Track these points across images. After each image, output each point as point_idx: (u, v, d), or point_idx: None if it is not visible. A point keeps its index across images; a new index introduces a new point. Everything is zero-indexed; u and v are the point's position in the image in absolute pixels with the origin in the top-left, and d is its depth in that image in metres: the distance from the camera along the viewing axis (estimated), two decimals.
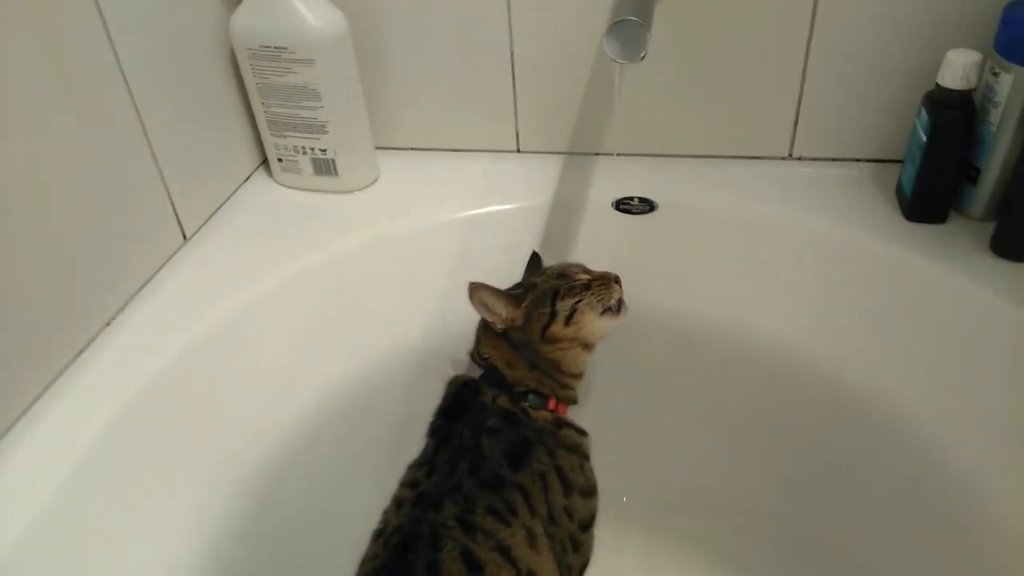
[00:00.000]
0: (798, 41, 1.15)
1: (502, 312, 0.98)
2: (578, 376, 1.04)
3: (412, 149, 1.34)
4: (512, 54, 1.21)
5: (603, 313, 0.97)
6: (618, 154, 1.26)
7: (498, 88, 1.24)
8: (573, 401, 1.02)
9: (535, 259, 1.12)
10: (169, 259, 1.12)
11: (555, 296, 0.96)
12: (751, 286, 1.16)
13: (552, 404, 0.99)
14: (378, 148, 1.30)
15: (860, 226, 1.09)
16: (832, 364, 1.13)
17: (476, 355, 1.05)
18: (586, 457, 0.98)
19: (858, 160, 1.22)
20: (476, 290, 0.99)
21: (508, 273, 1.04)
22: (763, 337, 1.19)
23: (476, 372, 1.01)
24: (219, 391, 1.04)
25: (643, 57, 0.90)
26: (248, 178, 1.31)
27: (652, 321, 1.18)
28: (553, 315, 0.96)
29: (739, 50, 1.17)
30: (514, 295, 1.00)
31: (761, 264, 1.15)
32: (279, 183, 1.32)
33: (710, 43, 1.18)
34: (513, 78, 1.23)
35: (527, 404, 0.98)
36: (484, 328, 1.02)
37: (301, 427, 1.13)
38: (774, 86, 1.16)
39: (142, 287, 1.07)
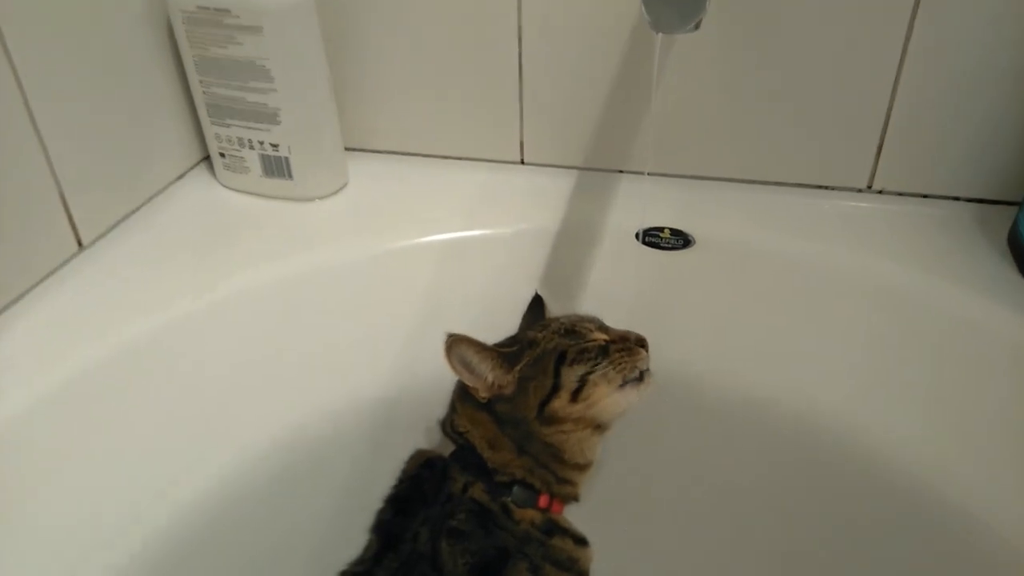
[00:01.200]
0: (892, 42, 0.91)
1: (488, 376, 0.77)
2: (584, 467, 0.80)
3: (391, 153, 1.14)
4: (520, 40, 1.01)
5: (623, 386, 0.76)
6: (648, 173, 1.06)
7: (501, 84, 1.04)
8: (573, 499, 0.81)
9: (537, 304, 0.89)
10: (54, 272, 0.88)
11: (560, 360, 0.75)
12: (811, 349, 0.95)
13: (544, 501, 0.78)
14: (348, 149, 1.10)
15: (958, 280, 0.88)
16: (928, 469, 0.87)
17: (448, 427, 0.81)
18: None
19: (957, 199, 0.99)
20: (455, 345, 0.75)
21: (499, 316, 0.88)
22: (825, 419, 0.94)
23: (448, 447, 0.81)
24: (95, 447, 0.79)
25: (698, 25, 0.63)
26: (182, 176, 1.08)
27: (678, 388, 0.96)
28: (556, 387, 0.74)
29: (811, 48, 0.94)
30: (506, 354, 0.77)
31: (825, 322, 0.94)
32: (222, 184, 1.08)
33: (775, 37, 0.95)
34: (520, 71, 1.03)
35: (509, 499, 0.77)
36: (462, 393, 0.80)
37: (219, 496, 0.89)
38: (855, 98, 0.96)
39: (7, 305, 0.81)
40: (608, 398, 0.76)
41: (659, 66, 0.97)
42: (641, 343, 0.79)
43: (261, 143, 1.00)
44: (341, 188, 1.07)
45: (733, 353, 0.98)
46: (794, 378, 0.95)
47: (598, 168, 1.08)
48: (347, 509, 0.84)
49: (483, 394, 0.77)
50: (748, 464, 1.00)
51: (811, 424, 0.94)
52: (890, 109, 0.95)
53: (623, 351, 0.77)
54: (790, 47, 0.94)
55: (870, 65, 0.93)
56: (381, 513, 0.78)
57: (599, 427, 0.78)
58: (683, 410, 0.98)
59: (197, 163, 1.11)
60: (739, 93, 0.99)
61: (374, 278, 0.98)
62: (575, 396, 0.75)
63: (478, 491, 0.76)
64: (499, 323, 0.87)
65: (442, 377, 0.81)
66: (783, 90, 0.97)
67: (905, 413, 0.89)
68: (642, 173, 1.06)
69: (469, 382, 0.77)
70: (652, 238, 1.00)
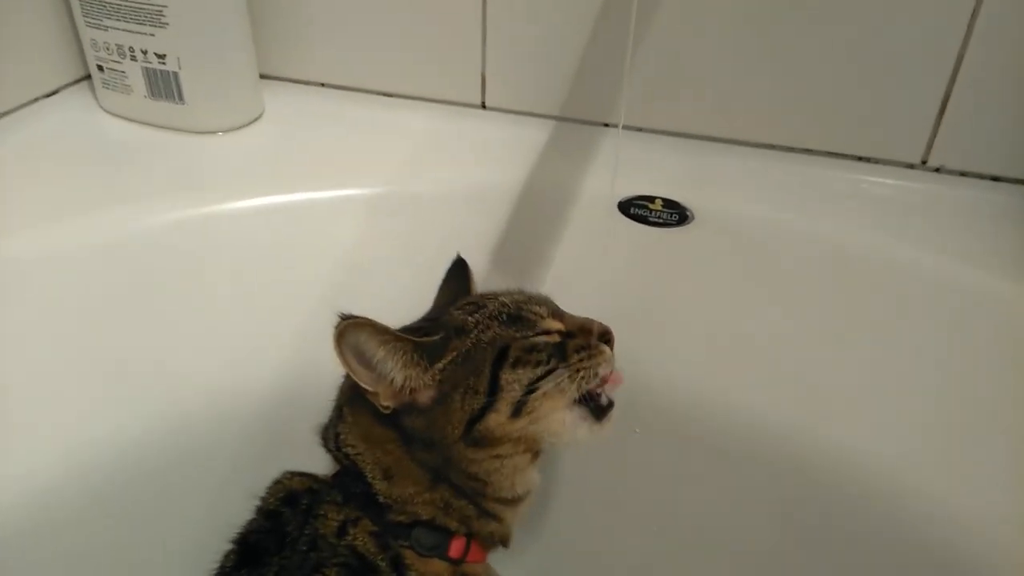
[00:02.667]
0: None
1: (396, 377, 0.55)
2: (515, 501, 0.60)
3: (322, 85, 0.96)
4: None
5: (579, 402, 0.57)
6: (640, 129, 0.86)
7: (461, 9, 0.85)
8: (502, 542, 0.62)
9: (459, 272, 0.68)
10: None
11: (500, 360, 0.56)
12: (834, 369, 0.75)
13: (457, 548, 0.58)
14: (267, 77, 0.93)
15: None
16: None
17: (332, 441, 0.59)
18: None
19: None
20: (351, 331, 0.54)
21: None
22: (852, 461, 0.73)
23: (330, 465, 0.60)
24: None
25: None
26: (56, 92, 0.89)
27: (658, 404, 0.79)
28: (493, 395, 0.55)
29: None
30: (423, 346, 0.56)
31: (855, 333, 0.75)
32: (103, 107, 0.88)
33: None
34: None
35: (406, 544, 0.56)
36: (355, 397, 0.59)
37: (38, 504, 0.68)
38: (912, 42, 0.76)
39: None
40: (557, 414, 0.55)
41: None
42: (605, 337, 0.58)
43: (144, 52, 0.79)
44: (251, 122, 0.89)
45: (731, 366, 0.79)
46: (807, 405, 0.76)
47: (577, 119, 0.89)
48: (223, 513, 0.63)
49: (386, 402, 0.55)
50: (741, 511, 0.79)
51: (829, 465, 0.74)
52: (960, 59, 0.75)
53: (583, 351, 0.55)
54: None
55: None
56: (225, 559, 0.56)
57: (539, 452, 0.57)
58: (662, 433, 0.80)
59: (79, 80, 0.90)
60: (760, 31, 0.79)
61: (278, 236, 0.79)
62: (517, 410, 0.54)
63: (362, 535, 0.54)
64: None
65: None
66: (815, 30, 0.78)
67: (959, 462, 0.68)
68: (631, 128, 0.85)
69: (368, 384, 0.55)
70: (639, 209, 0.80)
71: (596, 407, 0.57)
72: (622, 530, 0.84)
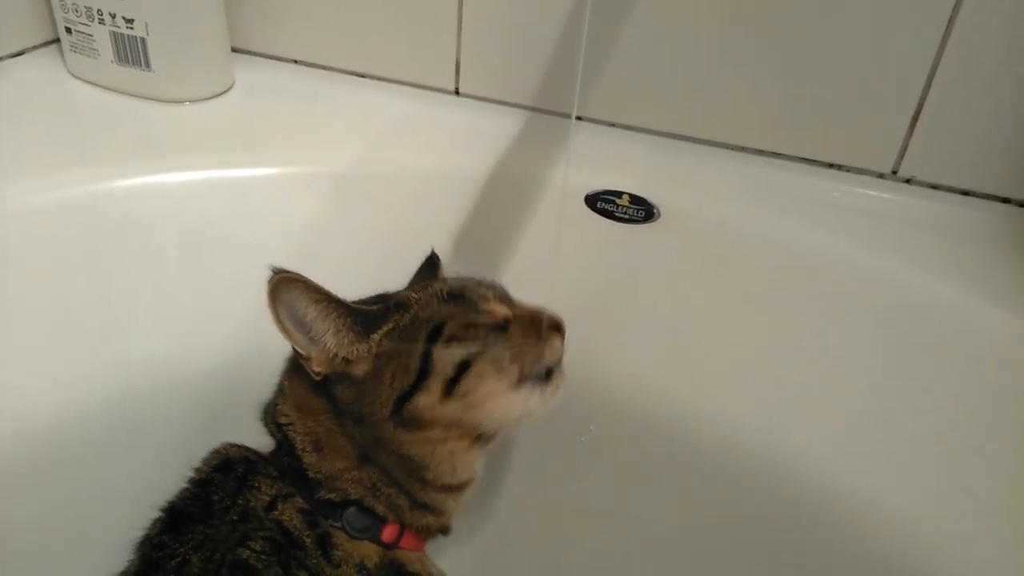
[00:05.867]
0: None
1: (328, 340, 0.53)
2: (455, 489, 0.58)
3: (295, 62, 0.94)
4: None
5: (519, 384, 0.54)
6: (613, 124, 0.84)
7: None
8: (441, 531, 0.59)
9: (431, 267, 0.66)
10: None
11: (435, 335, 0.54)
12: (799, 375, 0.73)
13: (390, 532, 0.56)
14: (239, 51, 0.92)
15: (1001, 303, 0.68)
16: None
17: (269, 415, 0.58)
18: None
19: (1007, 200, 0.77)
20: (284, 286, 0.52)
21: (396, 277, 0.66)
22: (811, 470, 0.71)
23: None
24: None
25: None
26: (22, 53, 0.86)
27: (614, 401, 0.77)
28: (424, 373, 0.52)
29: None
30: (360, 313, 0.54)
31: (820, 340, 0.73)
32: (70, 72, 0.86)
33: None
34: None
35: (337, 525, 0.54)
36: (294, 367, 0.57)
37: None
38: (887, 47, 0.74)
39: None
40: (497, 398, 0.53)
41: None
42: (555, 327, 0.56)
43: (113, 16, 0.77)
44: (220, 94, 0.87)
45: (690, 366, 0.76)
46: (773, 412, 0.74)
47: (550, 110, 0.86)
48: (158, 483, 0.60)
49: (317, 368, 0.53)
50: (694, 512, 0.77)
51: (792, 475, 0.72)
52: (933, 71, 0.73)
53: (526, 334, 0.54)
54: None
55: (913, 3, 0.71)
56: (152, 526, 0.54)
57: (481, 438, 0.55)
58: (617, 431, 0.78)
59: (48, 43, 0.88)
60: (737, 35, 0.77)
61: (238, 210, 0.77)
62: (449, 389, 0.52)
63: (290, 511, 0.52)
64: (396, 287, 0.64)
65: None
66: (791, 35, 0.76)
67: (915, 473, 0.67)
68: (603, 123, 0.83)
69: (300, 347, 0.53)
70: (606, 204, 0.78)
71: (539, 377, 0.54)
72: (571, 526, 0.81)
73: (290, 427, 0.55)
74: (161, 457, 0.73)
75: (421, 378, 0.52)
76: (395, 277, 0.67)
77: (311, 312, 0.52)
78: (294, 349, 0.54)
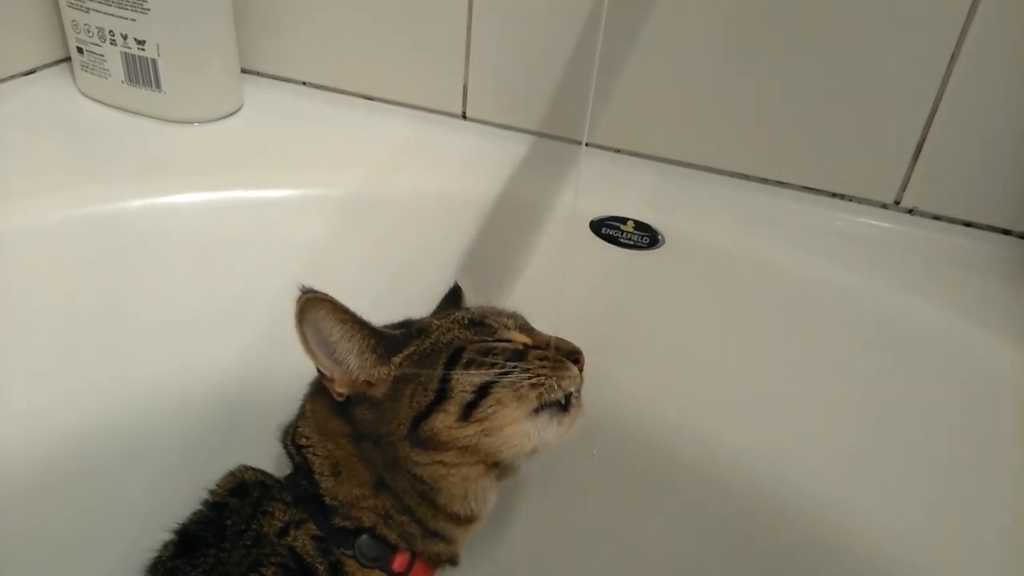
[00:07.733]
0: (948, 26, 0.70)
1: (352, 362, 0.55)
2: (467, 520, 0.58)
3: (305, 84, 0.94)
4: None
5: (538, 412, 0.54)
6: (619, 150, 0.85)
7: (446, 13, 0.83)
8: (450, 561, 0.59)
9: (453, 299, 0.67)
10: None
11: (454, 359, 0.54)
12: (798, 404, 0.73)
13: (400, 562, 0.56)
14: (249, 72, 0.92)
15: (1003, 335, 0.68)
16: None
17: (288, 436, 0.59)
18: None
19: (1008, 232, 0.77)
20: (312, 306, 0.53)
21: (401, 297, 0.66)
22: (807, 501, 0.71)
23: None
24: None
25: None
26: (33, 72, 0.87)
27: (617, 425, 0.76)
28: (442, 395, 0.53)
29: (839, 14, 0.72)
30: (384, 336, 0.55)
31: (819, 371, 0.73)
32: (81, 91, 0.86)
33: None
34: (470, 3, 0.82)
35: (349, 553, 0.54)
36: (317, 389, 0.59)
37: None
38: (891, 79, 0.75)
39: None
40: (514, 425, 0.53)
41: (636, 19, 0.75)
42: (575, 356, 0.56)
43: (124, 37, 0.77)
44: (229, 115, 0.87)
45: (692, 392, 0.77)
46: (773, 437, 0.74)
47: (557, 136, 0.87)
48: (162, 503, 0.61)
49: (340, 389, 0.54)
50: (698, 537, 0.77)
51: (793, 500, 0.72)
52: (937, 102, 0.74)
53: (547, 362, 0.54)
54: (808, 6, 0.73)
55: (917, 38, 0.71)
56: (164, 548, 0.54)
57: (496, 467, 0.55)
58: (620, 455, 0.78)
59: (58, 61, 0.88)
60: (742, 63, 0.77)
61: (245, 231, 0.77)
62: (467, 413, 0.53)
63: (303, 537, 0.53)
64: (400, 311, 0.65)
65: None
66: (795, 64, 0.77)
67: (914, 502, 0.67)
68: (609, 149, 0.84)
69: (324, 368, 0.54)
70: (611, 230, 0.78)
71: (558, 406, 0.55)
72: (577, 552, 0.81)
73: (310, 449, 0.55)
74: (166, 476, 0.74)
75: (439, 399, 0.53)
76: (402, 298, 0.67)
77: (336, 332, 0.53)
78: (318, 370, 0.55)
